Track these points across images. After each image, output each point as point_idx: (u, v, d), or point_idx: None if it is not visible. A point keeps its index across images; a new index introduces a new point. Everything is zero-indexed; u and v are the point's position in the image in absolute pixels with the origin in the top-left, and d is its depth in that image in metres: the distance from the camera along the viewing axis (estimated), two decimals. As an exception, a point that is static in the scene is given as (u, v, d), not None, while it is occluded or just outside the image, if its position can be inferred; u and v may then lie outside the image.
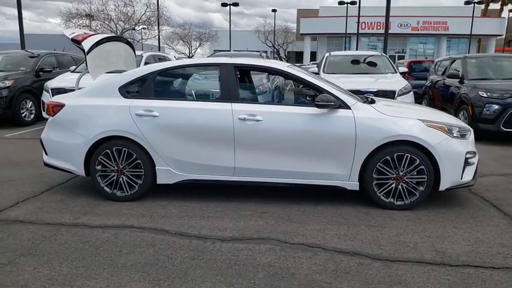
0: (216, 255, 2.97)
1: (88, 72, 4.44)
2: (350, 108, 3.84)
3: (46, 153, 4.32)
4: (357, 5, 33.85)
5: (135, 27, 28.90)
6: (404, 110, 4.08)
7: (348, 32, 38.92)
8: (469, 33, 39.02)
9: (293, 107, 3.93)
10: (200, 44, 43.82)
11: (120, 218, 3.70)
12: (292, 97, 4.55)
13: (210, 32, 43.90)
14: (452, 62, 9.01)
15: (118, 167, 4.07)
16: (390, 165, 3.80)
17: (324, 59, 9.03)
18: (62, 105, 4.17)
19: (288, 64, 4.40)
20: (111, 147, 4.03)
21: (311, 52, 46.66)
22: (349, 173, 3.85)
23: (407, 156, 3.75)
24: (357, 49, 34.27)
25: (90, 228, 3.47)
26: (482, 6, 42.80)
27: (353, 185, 3.88)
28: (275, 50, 52.22)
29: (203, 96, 4.30)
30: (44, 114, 8.63)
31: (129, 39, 5.53)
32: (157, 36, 29.10)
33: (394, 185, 3.83)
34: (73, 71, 9.55)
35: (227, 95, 3.98)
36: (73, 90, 8.03)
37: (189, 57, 41.06)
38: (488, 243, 3.17)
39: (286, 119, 3.85)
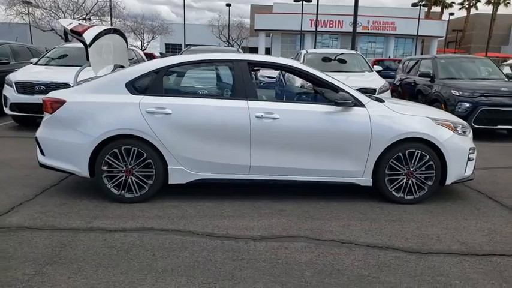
0: (254, 255, 2.94)
1: (88, 66, 4.17)
2: (364, 106, 3.94)
3: (42, 153, 4.03)
4: (312, 2, 34.59)
5: (86, 18, 27.49)
6: (413, 108, 4.25)
7: (301, 29, 39.58)
8: (414, 33, 41.18)
9: (309, 105, 3.96)
10: (153, 37, 42.62)
11: (136, 220, 3.55)
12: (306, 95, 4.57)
13: (162, 25, 42.81)
14: (417, 62, 9.52)
15: (127, 167, 3.88)
16: (402, 161, 3.94)
17: (302, 57, 9.15)
18: (62, 102, 3.90)
19: (300, 62, 4.41)
20: (119, 146, 3.84)
21: (266, 48, 47.04)
22: (363, 170, 3.95)
23: (418, 152, 3.92)
24: (315, 47, 34.96)
25: (109, 232, 3.30)
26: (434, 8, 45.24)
27: (367, 181, 3.99)
28: (229, 45, 52.04)
29: (216, 93, 4.21)
30: (6, 110, 8.02)
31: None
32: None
33: (405, 180, 3.99)
34: (36, 64, 8.96)
35: (242, 92, 3.93)
36: (40, 84, 7.66)
37: (141, 50, 39.74)
38: (501, 233, 3.40)
39: (302, 117, 3.87)
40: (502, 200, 4.24)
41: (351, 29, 50.11)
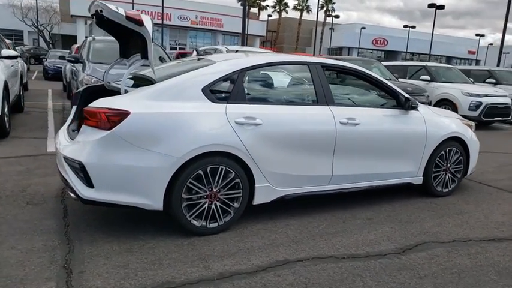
0: (426, 269, 2.86)
1: (143, 64, 3.15)
2: (418, 109, 4.19)
3: (90, 185, 2.89)
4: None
5: None
6: (442, 110, 4.71)
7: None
8: (238, 31, 43.74)
9: (380, 109, 3.99)
10: None
11: (255, 254, 2.95)
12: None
13: None
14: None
15: (211, 191, 3.16)
16: (443, 158, 4.37)
17: (227, 54, 8.82)
18: (125, 114, 2.89)
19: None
20: (205, 166, 3.09)
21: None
22: (418, 169, 4.21)
23: (454, 149, 4.41)
24: (162, 40, 33.59)
25: (251, 275, 2.66)
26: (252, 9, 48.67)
27: (419, 179, 4.27)
28: (38, 31, 45.31)
29: (299, 100, 3.75)
30: None
31: None
32: None
33: (443, 175, 4.43)
34: None
35: (323, 98, 3.67)
36: None
37: None
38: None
39: (377, 121, 3.88)
40: (498, 185, 5.08)
41: (179, 23, 49.91)
